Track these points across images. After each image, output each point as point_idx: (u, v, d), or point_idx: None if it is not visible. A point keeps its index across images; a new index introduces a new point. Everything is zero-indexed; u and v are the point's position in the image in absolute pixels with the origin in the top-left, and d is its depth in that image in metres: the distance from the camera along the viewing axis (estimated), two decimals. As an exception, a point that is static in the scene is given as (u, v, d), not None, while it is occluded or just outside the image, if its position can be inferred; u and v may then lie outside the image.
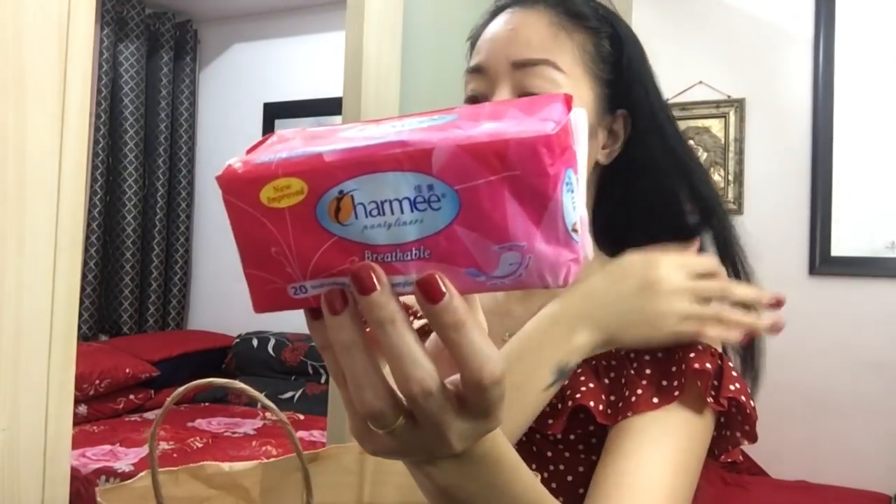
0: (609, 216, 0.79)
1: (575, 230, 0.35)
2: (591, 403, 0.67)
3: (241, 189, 0.36)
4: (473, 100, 0.75)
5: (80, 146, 0.80)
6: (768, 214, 2.98)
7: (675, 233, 0.75)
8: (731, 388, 0.66)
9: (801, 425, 2.85)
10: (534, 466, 0.71)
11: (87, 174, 2.51)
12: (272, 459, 0.65)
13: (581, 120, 0.36)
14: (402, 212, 0.34)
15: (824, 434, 2.86)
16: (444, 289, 0.34)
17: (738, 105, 3.04)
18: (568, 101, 0.36)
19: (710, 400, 0.65)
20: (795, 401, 2.86)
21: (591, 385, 0.68)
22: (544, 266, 0.34)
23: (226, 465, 0.63)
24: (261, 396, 0.56)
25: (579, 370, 0.69)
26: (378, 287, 0.34)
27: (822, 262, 2.89)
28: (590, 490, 0.64)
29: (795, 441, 2.83)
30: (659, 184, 0.76)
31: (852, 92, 2.88)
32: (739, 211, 3.03)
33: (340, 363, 0.37)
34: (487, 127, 0.34)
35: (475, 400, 0.36)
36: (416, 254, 0.35)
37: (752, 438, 0.68)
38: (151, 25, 3.97)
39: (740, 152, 3.04)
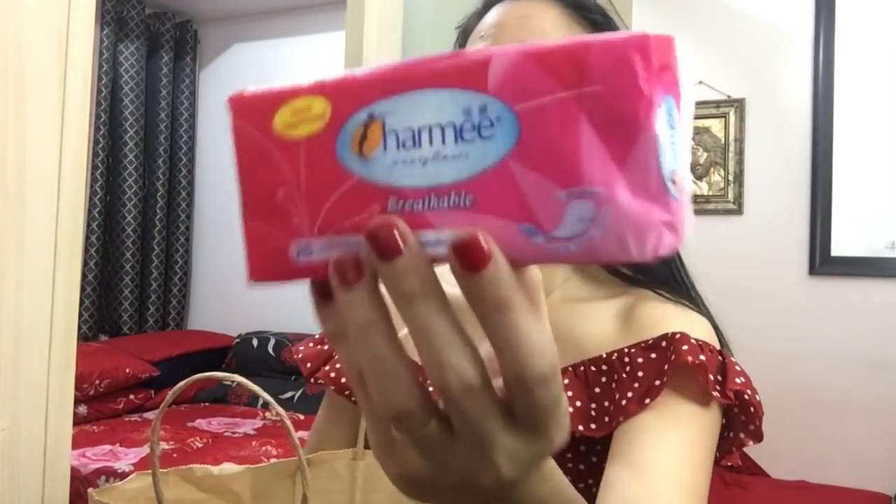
0: None
1: (674, 182, 0.25)
2: (581, 428, 0.64)
3: (253, 111, 0.29)
4: None
5: (80, 146, 0.80)
6: (768, 214, 2.98)
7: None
8: (737, 381, 0.64)
9: (801, 425, 2.85)
10: None
11: (87, 174, 2.50)
12: (261, 465, 0.65)
13: (687, 55, 0.28)
14: (443, 143, 0.26)
15: (824, 434, 2.86)
16: (488, 253, 0.26)
17: (738, 105, 3.04)
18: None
19: (716, 393, 0.62)
20: (795, 401, 2.85)
21: (579, 404, 0.66)
22: (626, 225, 0.25)
23: (215, 469, 0.63)
24: (260, 391, 0.56)
25: (567, 381, 0.67)
26: (404, 250, 0.27)
27: (822, 262, 2.89)
28: (602, 493, 0.59)
29: (795, 441, 2.83)
30: None
31: (852, 92, 2.88)
32: (739, 211, 3.03)
33: (357, 352, 0.29)
34: (563, 40, 0.26)
35: (520, 403, 0.28)
36: (454, 201, 0.27)
37: (758, 437, 0.66)
38: (151, 25, 3.97)
39: (740, 152, 3.03)
